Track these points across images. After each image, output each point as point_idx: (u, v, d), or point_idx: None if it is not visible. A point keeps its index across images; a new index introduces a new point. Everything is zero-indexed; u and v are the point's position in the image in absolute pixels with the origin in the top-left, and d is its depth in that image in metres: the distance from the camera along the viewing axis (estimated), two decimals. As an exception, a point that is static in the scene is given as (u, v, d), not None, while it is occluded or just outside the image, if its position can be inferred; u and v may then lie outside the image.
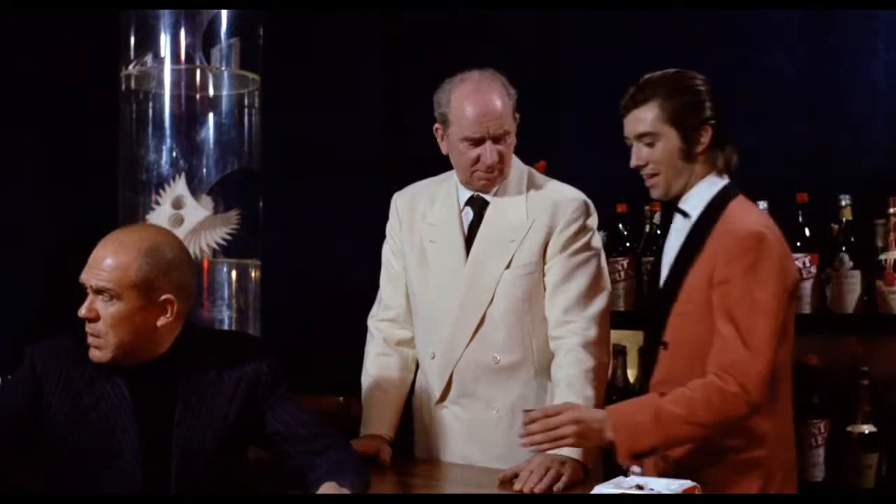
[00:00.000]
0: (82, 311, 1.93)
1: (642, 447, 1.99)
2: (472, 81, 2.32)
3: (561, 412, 2.01)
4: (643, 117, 2.13)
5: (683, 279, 2.12)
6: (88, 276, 1.93)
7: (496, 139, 2.31)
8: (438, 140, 2.40)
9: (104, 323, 1.91)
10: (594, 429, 2.00)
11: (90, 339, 1.93)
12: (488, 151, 2.30)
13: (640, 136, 2.14)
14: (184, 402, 1.95)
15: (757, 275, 2.00)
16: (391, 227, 2.53)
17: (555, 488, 2.10)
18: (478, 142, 2.30)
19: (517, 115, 2.38)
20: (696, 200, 2.15)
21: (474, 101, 2.30)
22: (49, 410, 1.92)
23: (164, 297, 1.95)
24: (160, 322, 1.96)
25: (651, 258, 2.97)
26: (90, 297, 1.93)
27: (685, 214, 2.17)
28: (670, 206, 2.25)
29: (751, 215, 2.12)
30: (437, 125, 2.39)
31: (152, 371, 1.96)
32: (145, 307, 1.93)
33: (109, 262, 1.92)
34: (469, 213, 2.42)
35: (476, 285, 2.36)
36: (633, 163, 2.17)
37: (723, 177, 2.16)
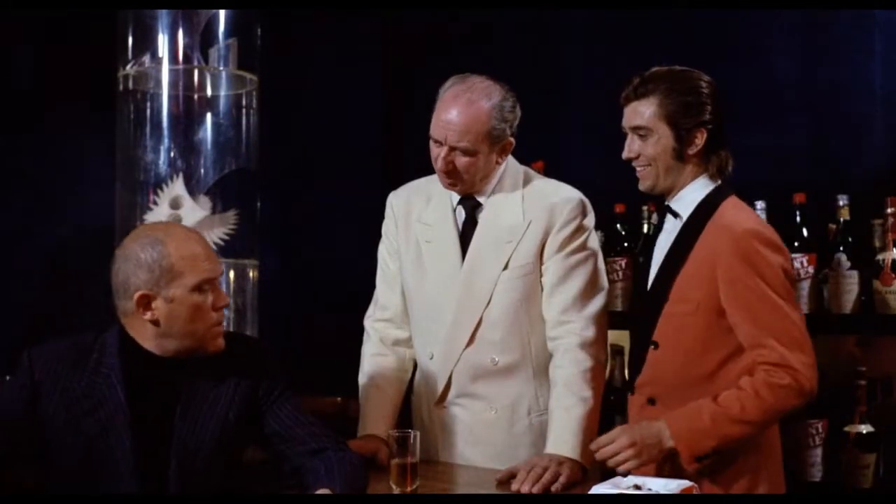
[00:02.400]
0: (227, 300, 2.00)
1: (703, 450, 2.00)
2: (458, 87, 2.31)
3: (614, 439, 2.03)
4: (641, 111, 2.14)
5: (674, 279, 2.12)
6: (218, 269, 1.97)
7: (453, 148, 2.30)
8: None
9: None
10: (650, 444, 2.01)
11: (222, 328, 1.99)
12: (440, 155, 2.31)
13: (634, 129, 2.15)
14: (184, 404, 1.94)
15: (765, 271, 2.02)
16: (387, 227, 2.53)
17: (552, 488, 2.11)
18: (437, 142, 2.31)
19: (510, 138, 2.35)
20: (686, 201, 2.16)
21: (445, 105, 2.30)
22: (45, 416, 1.91)
23: None
24: None
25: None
26: (216, 288, 1.96)
27: (675, 215, 2.17)
28: (664, 207, 2.25)
29: (745, 213, 2.13)
30: None
31: (154, 373, 1.95)
32: None
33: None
34: (461, 213, 2.42)
35: (473, 286, 2.36)
36: (625, 154, 2.18)
37: (715, 180, 2.16)
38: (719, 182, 2.16)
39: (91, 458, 1.90)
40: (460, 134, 2.27)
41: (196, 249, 1.92)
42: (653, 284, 2.19)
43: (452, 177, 2.33)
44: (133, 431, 1.90)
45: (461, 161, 2.30)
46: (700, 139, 2.12)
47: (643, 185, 2.19)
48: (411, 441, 1.97)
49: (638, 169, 2.18)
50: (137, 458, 1.89)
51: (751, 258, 2.03)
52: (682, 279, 2.11)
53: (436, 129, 2.31)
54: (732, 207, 2.13)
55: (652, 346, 2.15)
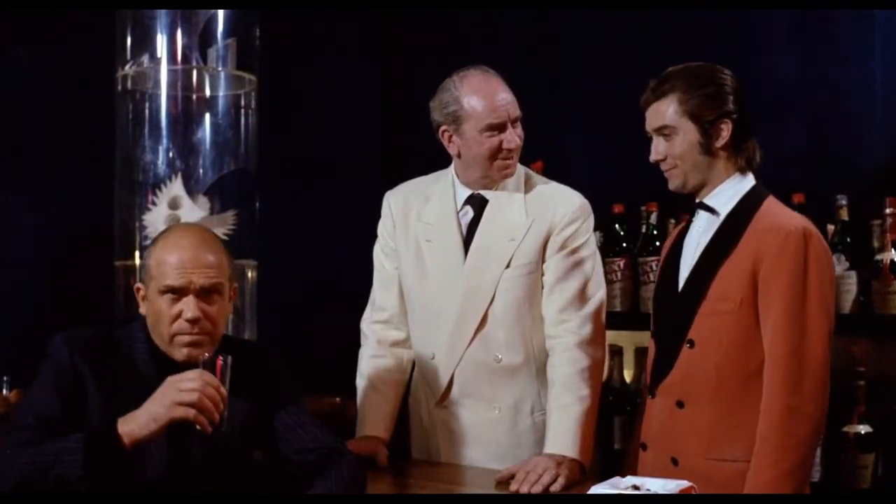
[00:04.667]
0: (193, 314, 1.86)
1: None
2: (477, 75, 2.34)
3: None
4: (661, 111, 2.10)
5: (713, 276, 2.07)
6: (195, 278, 1.87)
7: (514, 122, 2.33)
8: (446, 142, 2.39)
9: (210, 321, 1.88)
10: None
11: (197, 339, 1.87)
12: (511, 135, 2.32)
13: (658, 130, 2.12)
14: None
15: (810, 277, 1.99)
16: (384, 227, 2.52)
17: (552, 488, 2.11)
18: (500, 128, 2.31)
19: None
20: (724, 197, 2.11)
21: (488, 91, 2.31)
22: (83, 401, 1.85)
23: (234, 284, 2.00)
24: (230, 310, 2.00)
25: (650, 258, 2.97)
26: (193, 299, 1.87)
27: (713, 212, 2.13)
28: (688, 204, 2.22)
29: (794, 213, 2.10)
30: (443, 128, 2.37)
31: (174, 368, 1.92)
32: (228, 298, 1.97)
33: (211, 258, 1.90)
34: (469, 212, 2.42)
35: (476, 285, 2.36)
36: (652, 157, 2.14)
37: (747, 175, 2.13)
38: (752, 177, 2.13)
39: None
40: (515, 104, 2.34)
41: (172, 257, 1.88)
42: (687, 282, 2.13)
43: (516, 154, 2.36)
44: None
45: (520, 132, 2.35)
46: (726, 131, 2.08)
47: (673, 185, 2.15)
48: (222, 366, 1.84)
49: (666, 170, 2.14)
50: (169, 447, 1.87)
51: (797, 258, 2.00)
52: (722, 276, 2.06)
53: (495, 115, 2.30)
54: (775, 206, 2.10)
55: (686, 345, 2.10)
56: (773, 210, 2.09)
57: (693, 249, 2.15)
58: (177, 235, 1.94)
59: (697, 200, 2.17)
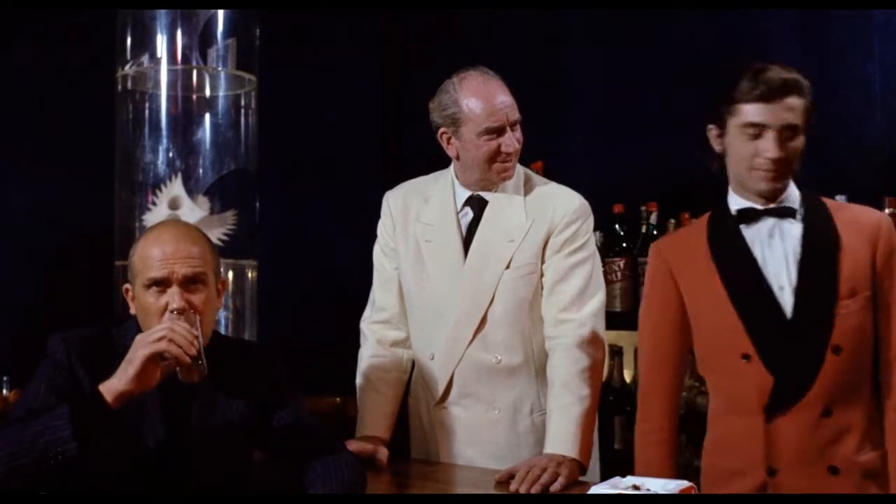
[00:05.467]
0: (178, 305, 1.84)
1: None
2: (476, 77, 2.33)
3: None
4: (794, 108, 2.00)
5: (838, 277, 2.00)
6: (177, 268, 1.87)
7: (513, 126, 2.32)
8: (445, 145, 2.39)
9: (196, 312, 1.86)
10: None
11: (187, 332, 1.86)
12: (510, 138, 2.31)
13: (787, 126, 2.00)
14: (204, 396, 1.92)
15: None
16: (384, 227, 2.52)
17: (551, 488, 2.11)
18: (499, 131, 2.31)
19: None
20: (793, 200, 2.07)
21: (487, 94, 2.30)
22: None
23: (221, 277, 1.99)
24: (219, 304, 1.99)
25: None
26: (177, 290, 1.86)
27: (792, 214, 2.06)
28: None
29: (857, 205, 2.17)
30: (442, 130, 2.37)
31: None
32: (216, 290, 1.95)
33: (193, 249, 1.89)
34: (468, 213, 2.42)
35: (476, 286, 2.36)
36: (776, 153, 1.99)
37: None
38: None
39: (123, 441, 1.84)
40: (514, 108, 2.33)
41: (154, 250, 1.89)
42: (805, 288, 2.01)
43: (514, 157, 2.36)
44: (164, 414, 1.88)
45: (519, 135, 2.34)
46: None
47: (773, 186, 2.03)
48: (190, 315, 1.85)
49: (770, 171, 2.01)
50: (168, 442, 1.88)
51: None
52: (845, 274, 2.01)
53: (493, 119, 2.30)
54: (836, 201, 2.15)
55: (832, 353, 1.99)
56: (842, 204, 2.16)
57: (782, 254, 2.05)
58: (158, 231, 1.95)
59: (772, 206, 2.06)
